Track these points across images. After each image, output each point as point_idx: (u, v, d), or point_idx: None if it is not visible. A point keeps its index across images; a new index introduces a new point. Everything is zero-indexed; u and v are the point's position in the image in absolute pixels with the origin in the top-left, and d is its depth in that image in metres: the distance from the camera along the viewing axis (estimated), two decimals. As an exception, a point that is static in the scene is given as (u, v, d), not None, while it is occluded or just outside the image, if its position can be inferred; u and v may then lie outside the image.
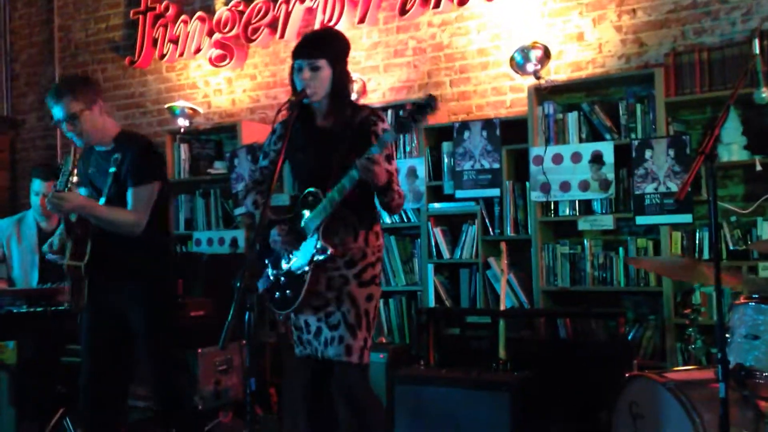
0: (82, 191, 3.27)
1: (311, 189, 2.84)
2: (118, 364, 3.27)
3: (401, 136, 4.82)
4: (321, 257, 2.75)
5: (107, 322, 3.22)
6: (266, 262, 2.95)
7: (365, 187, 2.72)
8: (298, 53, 2.86)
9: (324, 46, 2.85)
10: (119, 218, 3.12)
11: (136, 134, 3.46)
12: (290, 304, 2.84)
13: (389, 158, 2.85)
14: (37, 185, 4.28)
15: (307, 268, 2.79)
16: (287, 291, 2.85)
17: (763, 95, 3.79)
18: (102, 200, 3.17)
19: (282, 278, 2.88)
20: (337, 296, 2.82)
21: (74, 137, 3.20)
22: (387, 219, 4.86)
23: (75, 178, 3.07)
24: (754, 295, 2.73)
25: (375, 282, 2.87)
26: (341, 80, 2.87)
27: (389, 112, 4.85)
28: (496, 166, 4.51)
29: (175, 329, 3.34)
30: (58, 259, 3.27)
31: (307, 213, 2.82)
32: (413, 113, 2.58)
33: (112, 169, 3.15)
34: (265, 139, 3.07)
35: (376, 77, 5.30)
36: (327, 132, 2.87)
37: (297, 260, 2.84)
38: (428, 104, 2.57)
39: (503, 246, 4.18)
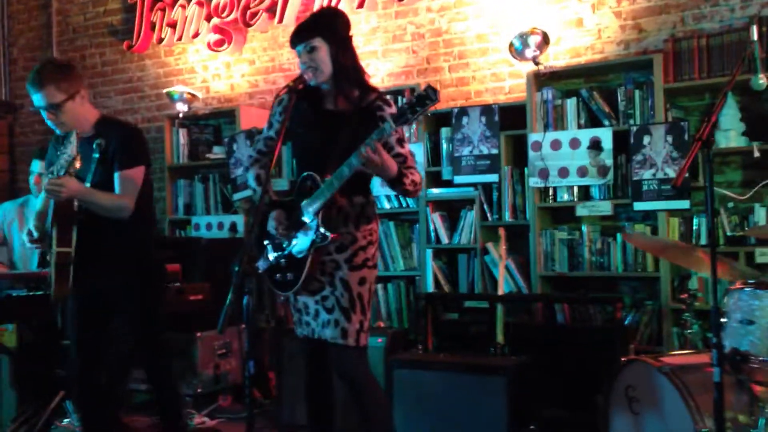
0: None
1: (309, 173, 2.83)
2: (104, 347, 3.27)
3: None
4: (321, 243, 2.76)
5: (96, 306, 3.21)
6: (266, 243, 2.95)
7: (357, 172, 2.71)
8: (293, 41, 2.84)
9: (316, 25, 2.81)
10: (112, 203, 3.11)
11: (119, 120, 3.46)
12: (291, 287, 2.85)
13: (401, 141, 2.84)
14: (35, 165, 4.27)
15: (307, 253, 2.80)
16: (288, 274, 2.86)
17: (761, 82, 3.78)
18: (86, 186, 3.13)
19: (282, 261, 2.89)
20: (330, 281, 2.83)
21: (54, 126, 3.17)
22: (386, 204, 4.88)
23: (78, 164, 3.02)
24: (749, 281, 2.75)
25: (367, 265, 2.86)
26: (341, 55, 2.80)
27: (388, 98, 4.83)
28: (495, 151, 4.52)
29: (163, 312, 3.34)
30: (38, 247, 3.25)
31: (305, 198, 2.82)
32: (413, 105, 2.51)
33: (96, 155, 3.12)
34: (271, 108, 2.99)
35: (375, 62, 5.29)
36: (333, 114, 2.85)
37: (298, 244, 2.84)
38: (428, 96, 2.48)
39: (501, 231, 4.19)
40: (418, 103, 2.50)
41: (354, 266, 2.83)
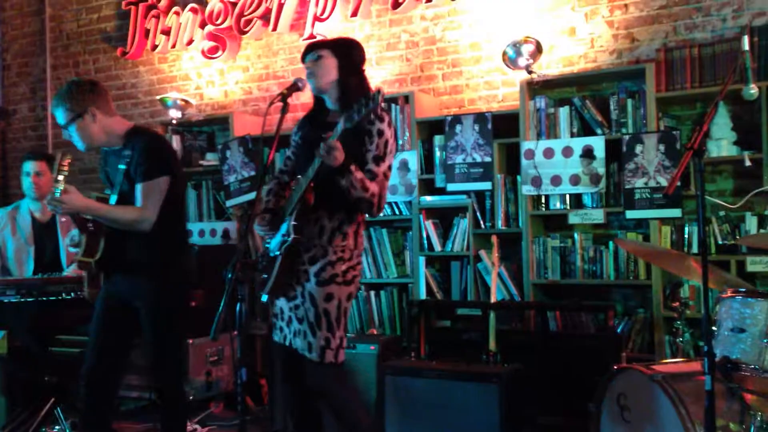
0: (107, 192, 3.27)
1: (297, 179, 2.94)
2: (121, 352, 3.26)
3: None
4: (287, 240, 2.80)
5: (117, 310, 3.21)
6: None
7: (339, 185, 2.74)
8: (304, 54, 2.94)
9: (327, 41, 2.93)
10: (121, 216, 3.07)
11: (146, 130, 3.36)
12: (264, 287, 2.90)
13: (377, 160, 2.85)
14: (27, 166, 4.27)
15: (278, 252, 2.84)
16: (264, 275, 2.92)
17: (752, 91, 3.80)
18: (113, 197, 3.14)
19: (264, 262, 2.96)
20: (301, 291, 2.87)
21: (74, 142, 3.21)
22: (379, 212, 4.87)
23: (61, 186, 3.00)
24: (740, 289, 2.76)
25: (336, 281, 2.83)
26: (347, 72, 2.88)
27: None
28: (488, 159, 4.53)
29: (182, 325, 3.29)
30: (78, 252, 3.29)
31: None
32: (361, 106, 2.60)
33: (122, 166, 3.11)
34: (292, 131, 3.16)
35: (369, 71, 5.25)
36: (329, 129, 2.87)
37: (272, 243, 2.93)
38: (373, 98, 2.58)
39: (494, 239, 4.20)
40: (365, 104, 2.61)
41: (321, 281, 2.83)
